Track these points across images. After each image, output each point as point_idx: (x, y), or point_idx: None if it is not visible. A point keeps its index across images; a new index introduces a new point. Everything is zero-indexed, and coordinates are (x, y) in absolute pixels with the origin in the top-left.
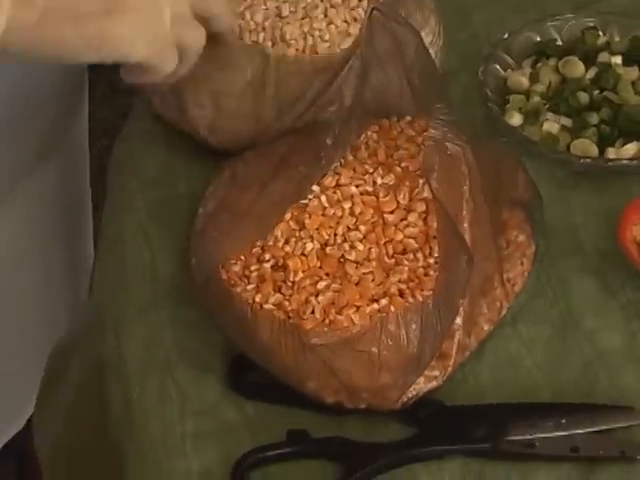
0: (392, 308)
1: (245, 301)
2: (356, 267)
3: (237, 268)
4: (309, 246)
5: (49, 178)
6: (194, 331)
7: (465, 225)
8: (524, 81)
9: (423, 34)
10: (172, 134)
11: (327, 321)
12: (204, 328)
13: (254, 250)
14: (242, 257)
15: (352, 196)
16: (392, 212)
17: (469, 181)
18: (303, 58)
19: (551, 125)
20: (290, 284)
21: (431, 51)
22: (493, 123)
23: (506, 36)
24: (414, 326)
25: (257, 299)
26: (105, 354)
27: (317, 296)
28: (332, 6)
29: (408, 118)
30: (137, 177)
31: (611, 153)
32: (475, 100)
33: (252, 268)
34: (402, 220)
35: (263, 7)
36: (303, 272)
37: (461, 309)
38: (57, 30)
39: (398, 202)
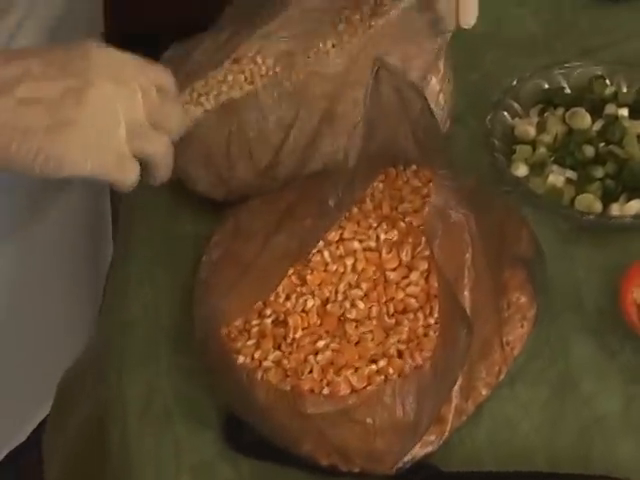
0: (390, 370)
1: (242, 364)
2: (356, 326)
3: (238, 322)
4: (310, 303)
5: (74, 200)
6: (193, 381)
7: (466, 293)
8: (531, 130)
9: (433, 81)
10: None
11: (325, 381)
12: (203, 379)
13: (256, 304)
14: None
15: (355, 251)
16: (394, 269)
17: (471, 249)
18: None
19: (556, 178)
20: (290, 341)
21: (440, 97)
22: (499, 172)
23: (515, 83)
24: (411, 398)
25: (256, 355)
26: (107, 398)
27: (316, 355)
28: None
29: (414, 167)
30: (145, 223)
31: (615, 209)
32: (482, 146)
33: (253, 323)
34: (404, 278)
35: (274, 51)
36: (303, 329)
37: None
38: (3, 143)
39: (400, 259)
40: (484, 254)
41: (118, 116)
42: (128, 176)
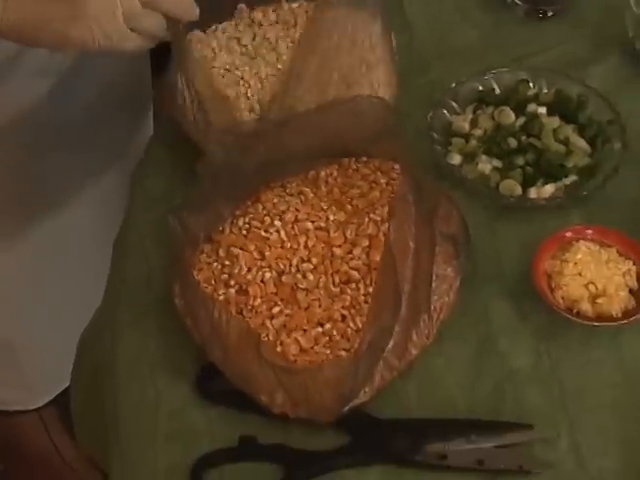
0: (334, 332)
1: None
2: (306, 294)
3: (208, 289)
4: (267, 275)
5: (114, 181)
6: (175, 339)
7: (409, 263)
8: (465, 126)
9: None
10: (179, 160)
11: (279, 342)
12: (183, 337)
13: (222, 277)
14: (213, 282)
15: (307, 231)
16: (340, 246)
17: (414, 228)
18: None
19: (484, 166)
20: (250, 308)
21: (386, 97)
22: (437, 160)
23: (454, 85)
24: (349, 357)
25: None
26: (102, 355)
27: (272, 319)
28: None
29: (364, 159)
30: (145, 196)
31: (532, 193)
32: (424, 137)
33: (220, 292)
34: (348, 253)
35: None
36: (261, 298)
37: (392, 340)
38: (34, 30)
39: (346, 237)
40: (423, 231)
41: (116, 4)
42: (127, 46)
